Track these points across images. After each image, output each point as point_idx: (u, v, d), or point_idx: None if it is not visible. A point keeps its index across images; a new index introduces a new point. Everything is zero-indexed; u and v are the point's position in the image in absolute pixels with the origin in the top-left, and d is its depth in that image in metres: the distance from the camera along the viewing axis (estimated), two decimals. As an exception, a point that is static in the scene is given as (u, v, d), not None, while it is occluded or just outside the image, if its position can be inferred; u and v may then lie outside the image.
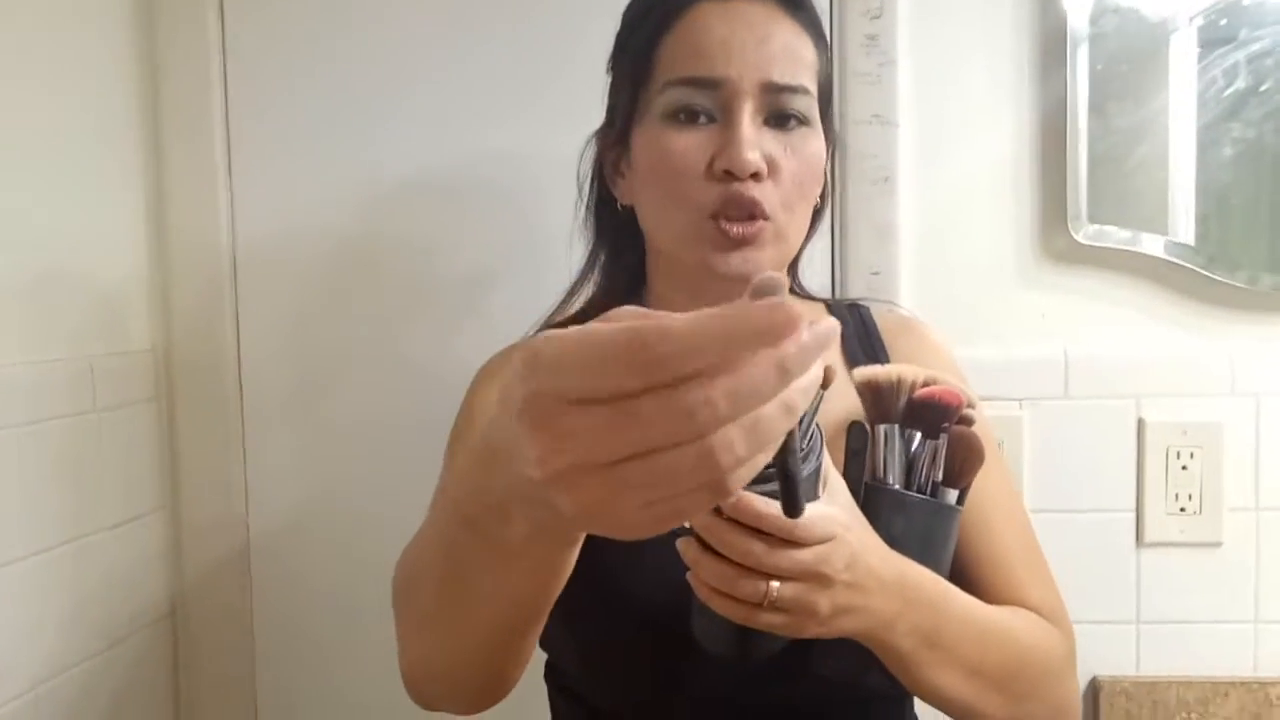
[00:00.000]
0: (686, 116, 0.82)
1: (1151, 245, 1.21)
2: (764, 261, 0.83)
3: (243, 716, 1.31)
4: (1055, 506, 1.22)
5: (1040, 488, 1.22)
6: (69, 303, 1.13)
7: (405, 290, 1.28)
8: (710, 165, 0.81)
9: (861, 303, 1.00)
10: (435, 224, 1.26)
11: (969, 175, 1.24)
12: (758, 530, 0.63)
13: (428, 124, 1.26)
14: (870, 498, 0.77)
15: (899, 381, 0.79)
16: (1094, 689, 1.22)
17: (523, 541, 0.52)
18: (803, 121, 0.83)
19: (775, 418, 0.38)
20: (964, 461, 0.77)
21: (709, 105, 0.81)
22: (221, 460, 1.29)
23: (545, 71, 1.24)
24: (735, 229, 0.81)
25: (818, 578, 0.65)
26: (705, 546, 0.65)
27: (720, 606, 0.66)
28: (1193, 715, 1.22)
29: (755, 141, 0.80)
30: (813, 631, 0.68)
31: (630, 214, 0.91)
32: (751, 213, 0.81)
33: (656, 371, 0.36)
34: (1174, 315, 1.23)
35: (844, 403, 0.84)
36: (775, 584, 0.64)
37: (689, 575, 0.67)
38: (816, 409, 0.64)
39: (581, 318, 0.98)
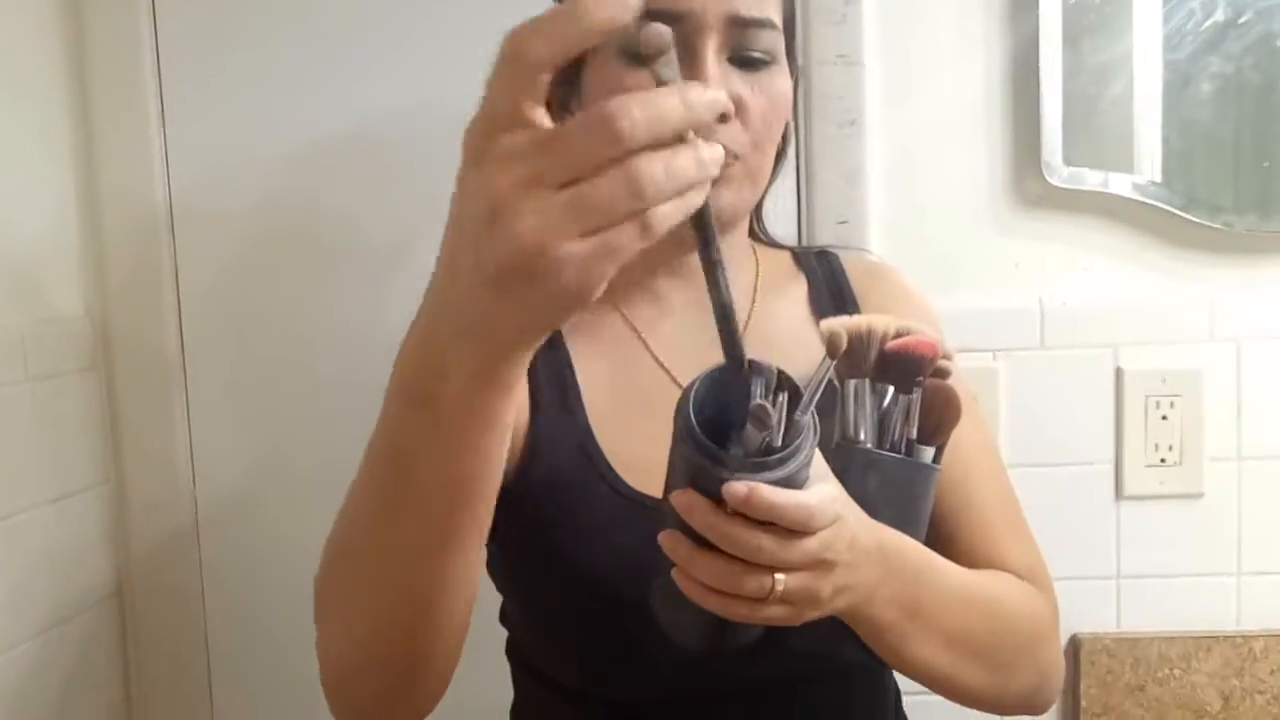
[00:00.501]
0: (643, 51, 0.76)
1: (1125, 187, 1.16)
2: (729, 200, 0.79)
3: (195, 695, 1.26)
4: (1032, 460, 1.18)
5: (1016, 441, 1.18)
6: (-2, 268, 1.07)
7: (352, 249, 1.22)
8: None
9: (831, 250, 0.95)
10: (378, 179, 1.21)
11: (939, 117, 1.19)
12: (765, 523, 0.58)
13: (368, 75, 1.20)
14: (840, 457, 0.72)
15: (869, 332, 0.74)
16: (1074, 646, 1.19)
17: (459, 394, 0.53)
18: (770, 59, 0.79)
19: (688, 165, 0.45)
20: (940, 417, 0.73)
21: None
22: (165, 432, 1.24)
23: (490, 22, 1.17)
24: None
25: (824, 564, 0.61)
26: (697, 542, 0.60)
27: (718, 605, 0.60)
28: (1175, 671, 1.18)
29: (720, 80, 0.75)
30: (810, 617, 0.63)
31: None
32: None
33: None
34: (1151, 260, 1.19)
35: (811, 356, 0.79)
36: (781, 576, 0.59)
37: (674, 573, 0.61)
38: (819, 386, 0.60)
39: None
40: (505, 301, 0.47)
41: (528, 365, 0.55)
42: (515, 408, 0.57)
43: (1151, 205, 1.17)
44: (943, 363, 0.75)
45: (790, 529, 0.58)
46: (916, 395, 0.73)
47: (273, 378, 1.24)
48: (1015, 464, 1.13)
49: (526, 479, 0.80)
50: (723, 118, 0.74)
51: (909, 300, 0.91)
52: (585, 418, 0.82)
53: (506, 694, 0.92)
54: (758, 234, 0.97)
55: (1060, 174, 1.16)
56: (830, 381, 0.74)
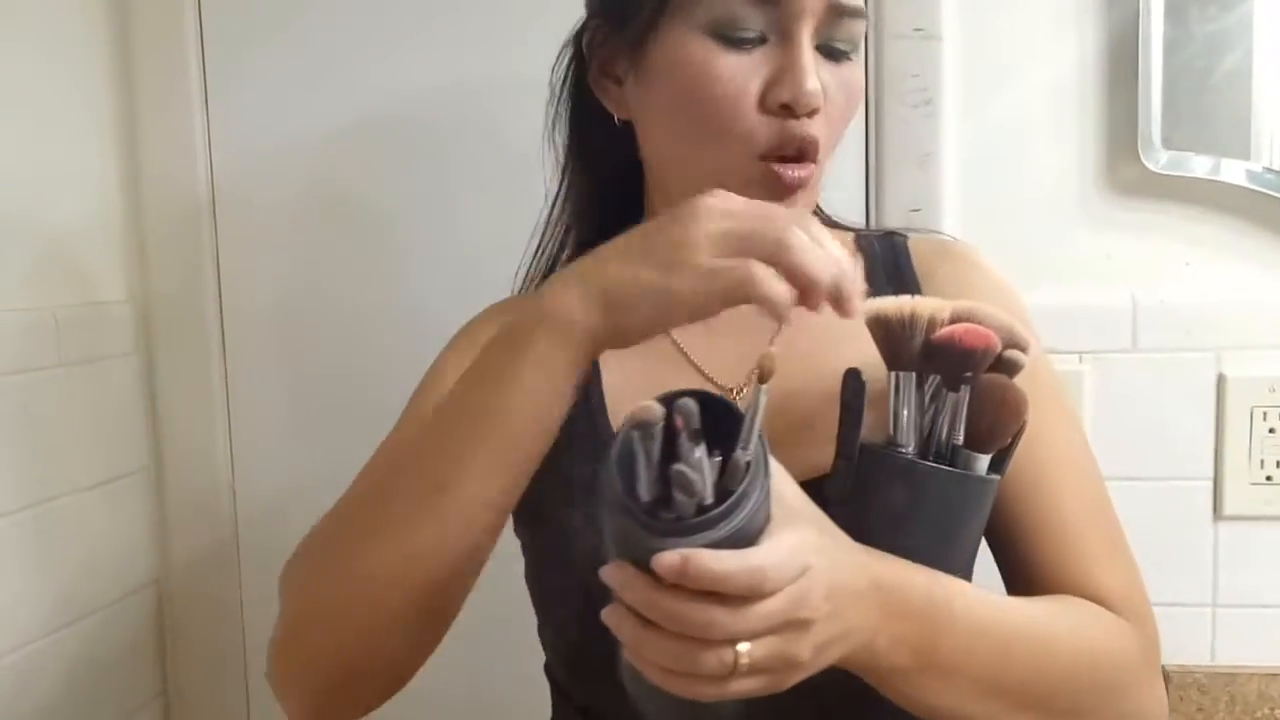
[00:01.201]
0: (738, 33, 0.68)
1: (1237, 174, 1.05)
2: (810, 203, 0.74)
3: (232, 683, 1.24)
4: (1120, 474, 1.07)
5: (1103, 452, 1.04)
6: (31, 250, 1.05)
7: (399, 232, 1.18)
8: (763, 96, 0.69)
9: (901, 231, 0.86)
10: (421, 161, 1.16)
11: (1024, 96, 1.09)
12: (715, 594, 0.50)
13: (409, 56, 1.15)
14: (866, 463, 0.63)
15: (912, 317, 0.64)
16: (1162, 680, 1.08)
17: (573, 313, 0.60)
18: (853, 50, 0.72)
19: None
20: (994, 419, 0.62)
21: (761, 24, 0.68)
22: (205, 418, 1.21)
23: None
24: (791, 172, 0.70)
25: (795, 625, 0.53)
26: (648, 620, 0.52)
27: (679, 687, 0.52)
28: (1276, 711, 1.07)
29: (815, 71, 0.69)
30: (795, 680, 0.55)
31: (622, 132, 0.78)
32: (805, 154, 0.70)
33: None
34: (1262, 255, 1.08)
35: (860, 348, 0.70)
36: (744, 646, 0.51)
37: (625, 653, 0.54)
38: (755, 416, 0.51)
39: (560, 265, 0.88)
40: (642, 267, 0.59)
41: (596, 351, 0.61)
42: (568, 389, 0.62)
43: (1264, 194, 1.05)
44: (1010, 354, 0.64)
45: (749, 595, 0.50)
46: (963, 394, 0.63)
47: (314, 362, 1.21)
48: None
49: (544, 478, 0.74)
50: (812, 113, 0.70)
51: (983, 280, 0.80)
52: (605, 414, 0.77)
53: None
54: (818, 212, 0.88)
55: (1160, 159, 1.05)
56: (857, 372, 0.66)
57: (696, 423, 0.49)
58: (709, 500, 0.49)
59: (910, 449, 0.63)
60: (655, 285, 0.57)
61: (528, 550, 0.81)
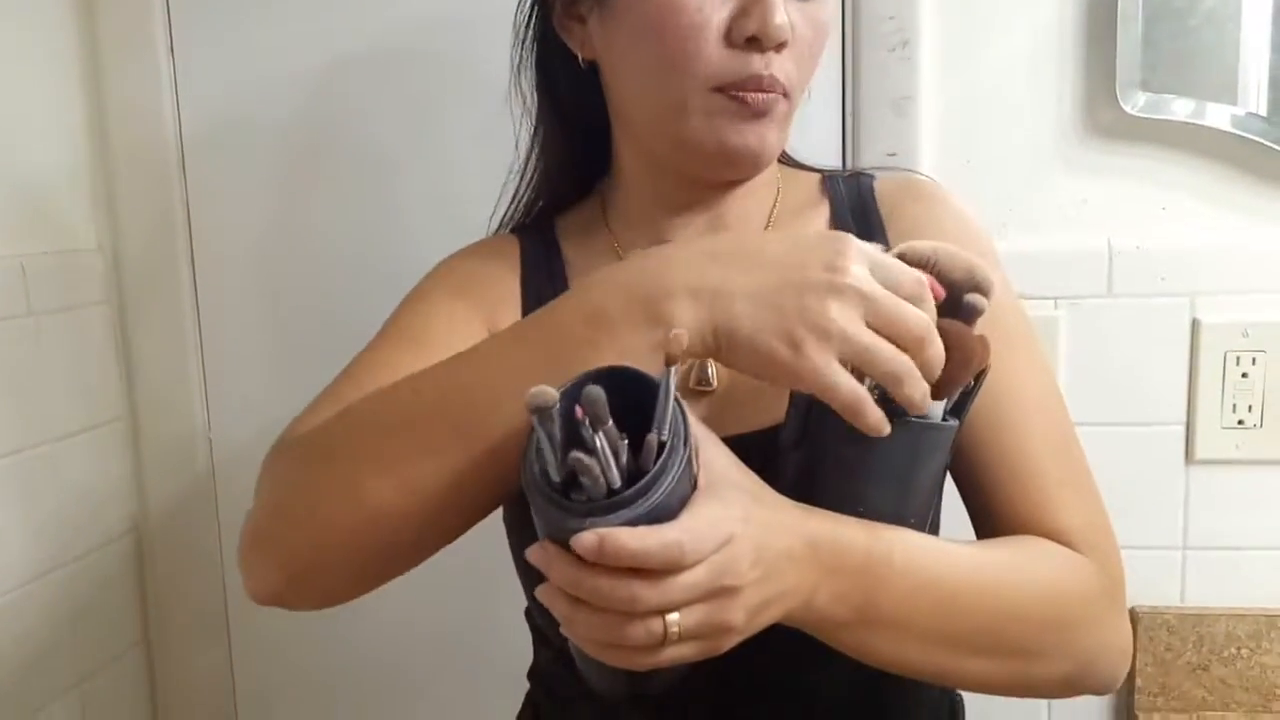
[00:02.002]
0: None
1: (1218, 117, 1.04)
2: (773, 141, 0.72)
3: (212, 631, 1.24)
4: (1095, 419, 1.08)
5: (1078, 398, 1.06)
6: (-2, 198, 1.03)
7: (368, 174, 1.16)
8: (729, 29, 0.68)
9: (869, 171, 0.84)
10: (392, 101, 1.14)
11: (1003, 38, 1.07)
12: (637, 569, 0.51)
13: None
14: (817, 411, 0.62)
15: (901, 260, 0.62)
16: (1132, 620, 1.10)
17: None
18: None
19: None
20: (949, 365, 0.59)
21: None
22: (179, 366, 1.20)
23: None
24: (753, 97, 0.69)
25: (722, 592, 0.53)
26: (574, 596, 0.53)
27: (614, 659, 0.54)
28: (1243, 651, 1.09)
29: (783, 6, 0.68)
30: (730, 644, 0.56)
31: (587, 72, 0.77)
32: (769, 90, 0.69)
33: None
34: (1239, 200, 1.07)
35: None
36: (673, 616, 0.52)
37: (562, 629, 0.55)
38: (666, 397, 0.51)
39: (536, 211, 0.87)
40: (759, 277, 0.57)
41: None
42: None
43: (1246, 138, 1.04)
44: (970, 298, 0.62)
45: (669, 569, 0.51)
46: None
47: (287, 307, 1.20)
48: (1076, 422, 1.03)
49: None
50: (779, 47, 0.69)
51: (950, 219, 0.78)
52: None
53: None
54: (784, 158, 0.87)
55: (1137, 101, 1.04)
56: None
57: (601, 408, 0.50)
58: (618, 483, 0.50)
59: (875, 392, 0.62)
60: (772, 356, 0.56)
61: (508, 512, 0.80)
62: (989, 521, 0.73)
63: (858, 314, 0.55)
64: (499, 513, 0.80)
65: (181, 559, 1.23)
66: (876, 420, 0.56)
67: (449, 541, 0.64)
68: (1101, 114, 1.07)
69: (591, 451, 0.50)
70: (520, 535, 0.79)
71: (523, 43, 0.83)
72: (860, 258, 0.57)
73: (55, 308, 1.10)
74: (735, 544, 0.53)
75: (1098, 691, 0.72)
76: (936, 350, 0.57)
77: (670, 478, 0.51)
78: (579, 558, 0.51)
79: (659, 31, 0.69)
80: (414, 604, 1.18)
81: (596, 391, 0.50)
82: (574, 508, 0.51)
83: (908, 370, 0.56)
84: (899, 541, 0.62)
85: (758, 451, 0.65)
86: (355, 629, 1.22)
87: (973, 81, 1.08)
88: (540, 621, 0.82)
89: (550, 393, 0.50)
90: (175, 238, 1.18)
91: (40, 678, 1.07)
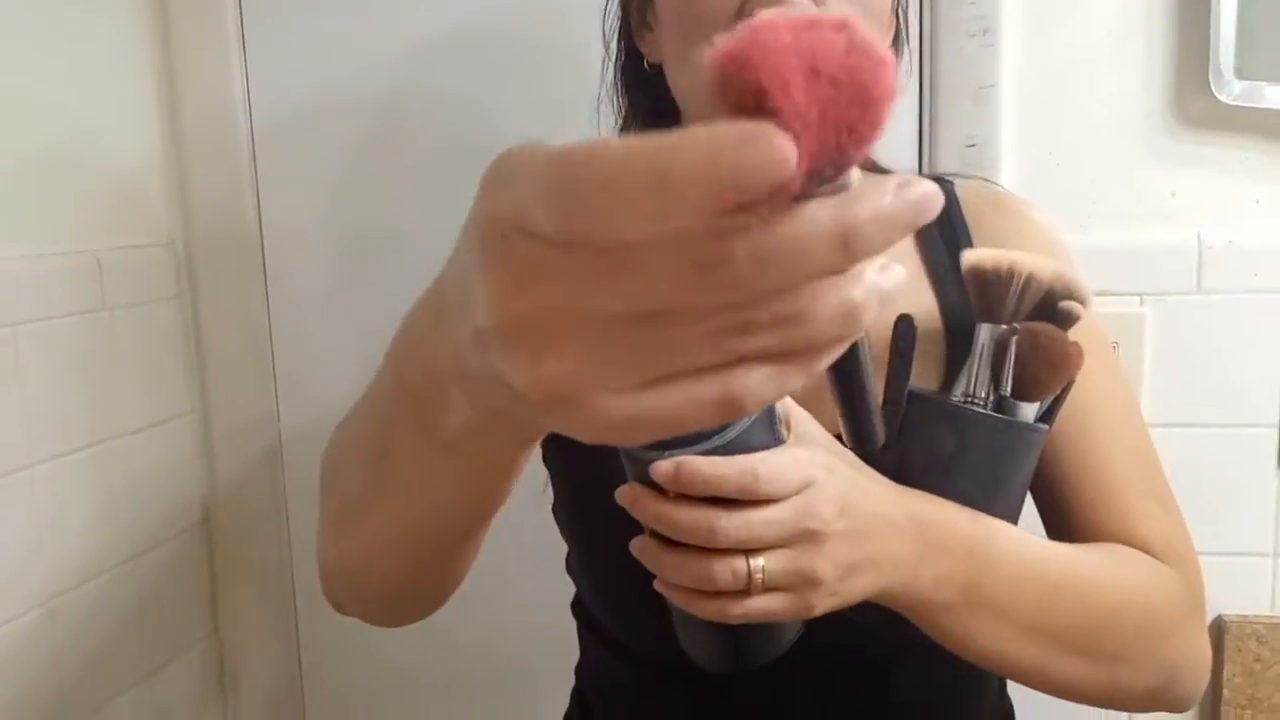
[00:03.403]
0: None
1: (1316, 105, 0.99)
2: None
3: (281, 621, 1.26)
4: (1181, 420, 1.04)
5: (1164, 398, 1.04)
6: (72, 193, 1.05)
7: (439, 166, 1.15)
8: (741, 9, 0.67)
9: (946, 177, 0.83)
10: (467, 87, 1.13)
11: (1088, 23, 1.04)
12: (715, 500, 0.51)
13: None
14: (913, 408, 0.63)
15: (1010, 271, 0.63)
16: (1219, 629, 1.06)
17: (461, 433, 0.43)
18: None
19: (824, 318, 0.28)
20: (1045, 370, 0.61)
21: None
22: (249, 360, 1.21)
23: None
24: None
25: (807, 535, 0.52)
26: (667, 543, 0.53)
27: (703, 609, 0.53)
28: (1338, 663, 1.04)
29: None
30: (824, 605, 0.55)
31: (661, 75, 0.77)
32: None
33: (674, 213, 0.25)
34: (1340, 192, 1.02)
35: (912, 299, 0.70)
36: (758, 560, 0.52)
37: (657, 584, 0.55)
38: None
39: None
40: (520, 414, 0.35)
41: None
42: (529, 457, 0.48)
43: (1345, 127, 0.99)
44: (1066, 305, 0.63)
45: (745, 500, 0.51)
46: (1013, 343, 0.63)
47: (358, 301, 1.20)
48: (1162, 424, 1.01)
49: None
50: None
51: (1034, 231, 0.78)
52: None
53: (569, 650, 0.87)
54: (868, 162, 0.85)
55: (1232, 89, 1.00)
56: (909, 319, 0.66)
57: None
58: None
59: (957, 397, 0.62)
60: None
61: (556, 478, 0.81)
62: (1066, 528, 0.73)
63: (580, 299, 0.33)
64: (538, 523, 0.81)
65: (251, 551, 1.24)
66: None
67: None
68: (1192, 102, 1.03)
69: None
70: (575, 523, 0.79)
71: (610, 50, 0.84)
72: None
73: (129, 302, 1.11)
74: (818, 488, 0.53)
75: (1177, 708, 0.72)
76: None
77: (748, 417, 0.51)
78: (661, 493, 0.52)
79: (681, 21, 0.69)
80: (455, 607, 1.18)
81: None
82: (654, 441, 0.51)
83: None
84: (1001, 530, 0.61)
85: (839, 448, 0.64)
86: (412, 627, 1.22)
87: (1056, 69, 1.04)
88: (591, 605, 0.82)
89: None
90: (246, 231, 1.19)
91: (111, 669, 1.09)
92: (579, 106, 0.87)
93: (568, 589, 0.86)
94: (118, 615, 1.09)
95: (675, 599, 0.55)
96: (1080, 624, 0.64)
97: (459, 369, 0.37)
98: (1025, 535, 0.64)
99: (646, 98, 0.82)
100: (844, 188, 0.27)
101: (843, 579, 0.54)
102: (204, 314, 1.21)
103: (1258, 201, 1.04)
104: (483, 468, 0.47)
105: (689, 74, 0.70)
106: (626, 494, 0.54)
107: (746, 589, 0.52)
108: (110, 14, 1.10)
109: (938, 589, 0.58)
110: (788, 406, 0.57)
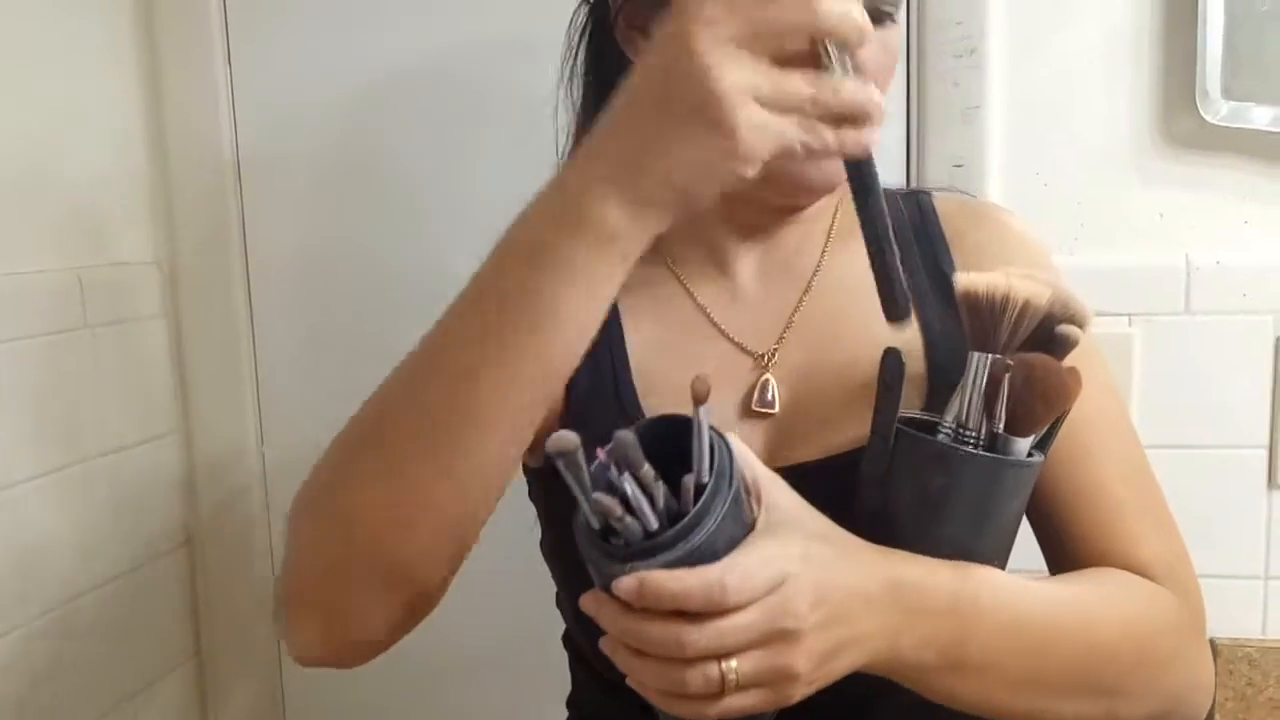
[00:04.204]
0: None
1: (1302, 126, 0.99)
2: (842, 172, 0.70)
3: (264, 641, 1.24)
4: (1170, 441, 1.03)
5: (1153, 419, 1.04)
6: (55, 210, 1.04)
7: (423, 189, 1.15)
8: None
9: (923, 190, 0.82)
10: (447, 119, 1.13)
11: (1075, 45, 1.04)
12: (682, 613, 0.50)
13: (435, 11, 1.12)
14: (902, 445, 0.61)
15: (1006, 299, 0.60)
16: (1211, 653, 1.04)
17: (584, 249, 0.52)
18: (895, 13, 0.69)
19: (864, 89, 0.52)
20: (1040, 403, 0.59)
21: None
22: (233, 380, 1.21)
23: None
24: None
25: (781, 635, 0.51)
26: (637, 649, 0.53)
27: (677, 710, 0.53)
28: (1330, 687, 1.04)
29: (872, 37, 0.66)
30: (802, 693, 0.54)
31: None
32: None
33: None
34: (1327, 213, 1.02)
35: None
36: (730, 663, 0.51)
37: (628, 682, 0.54)
38: (701, 441, 0.51)
39: None
40: (674, 141, 0.49)
41: (639, 253, 0.54)
42: (612, 295, 0.55)
43: (1331, 148, 0.99)
44: (1063, 330, 0.61)
45: (711, 611, 0.50)
46: (1006, 378, 0.60)
47: (340, 322, 1.20)
48: (1151, 445, 0.97)
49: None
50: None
51: (1018, 245, 0.76)
52: (629, 378, 0.73)
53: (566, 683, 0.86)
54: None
55: (1219, 110, 1.00)
56: (896, 352, 0.63)
57: (631, 452, 0.50)
58: (653, 526, 0.50)
59: (974, 434, 0.60)
60: (698, 175, 0.50)
61: (543, 515, 0.79)
62: (1064, 553, 0.71)
63: (738, 33, 0.49)
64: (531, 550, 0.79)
65: (233, 572, 1.23)
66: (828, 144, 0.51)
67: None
68: (1180, 122, 1.03)
69: (625, 502, 0.50)
70: (559, 563, 0.77)
71: (575, 53, 0.82)
72: None
73: (111, 320, 1.10)
74: (791, 584, 0.52)
75: None
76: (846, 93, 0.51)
77: (712, 519, 0.50)
78: (627, 604, 0.50)
79: None
80: (469, 612, 1.17)
81: (626, 436, 0.50)
82: (615, 551, 0.51)
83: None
84: (987, 582, 0.60)
85: (823, 479, 0.63)
86: (402, 646, 1.21)
87: (1043, 89, 1.04)
88: (581, 643, 0.81)
89: (569, 437, 0.49)
90: (230, 251, 1.19)
91: (92, 691, 1.07)
92: (555, 122, 0.86)
93: (559, 621, 0.85)
94: (99, 637, 1.08)
95: (650, 699, 0.54)
96: (1073, 665, 0.62)
97: (601, 164, 0.52)
98: (1013, 581, 0.62)
99: None
100: None
101: (821, 666, 0.54)
102: (187, 333, 1.20)
103: (1245, 222, 1.03)
104: (585, 289, 0.53)
105: None
106: (589, 603, 0.53)
107: (720, 691, 0.51)
108: (96, 33, 1.10)
109: (920, 652, 0.57)
110: (756, 474, 0.55)
